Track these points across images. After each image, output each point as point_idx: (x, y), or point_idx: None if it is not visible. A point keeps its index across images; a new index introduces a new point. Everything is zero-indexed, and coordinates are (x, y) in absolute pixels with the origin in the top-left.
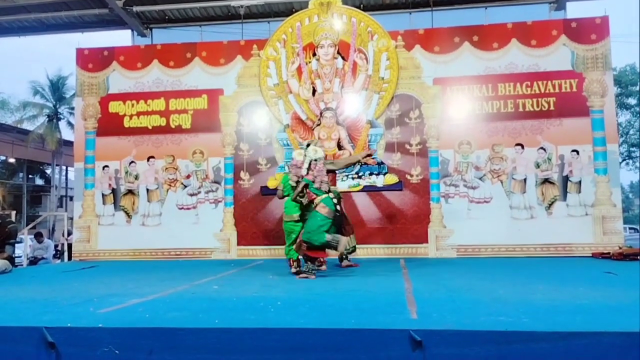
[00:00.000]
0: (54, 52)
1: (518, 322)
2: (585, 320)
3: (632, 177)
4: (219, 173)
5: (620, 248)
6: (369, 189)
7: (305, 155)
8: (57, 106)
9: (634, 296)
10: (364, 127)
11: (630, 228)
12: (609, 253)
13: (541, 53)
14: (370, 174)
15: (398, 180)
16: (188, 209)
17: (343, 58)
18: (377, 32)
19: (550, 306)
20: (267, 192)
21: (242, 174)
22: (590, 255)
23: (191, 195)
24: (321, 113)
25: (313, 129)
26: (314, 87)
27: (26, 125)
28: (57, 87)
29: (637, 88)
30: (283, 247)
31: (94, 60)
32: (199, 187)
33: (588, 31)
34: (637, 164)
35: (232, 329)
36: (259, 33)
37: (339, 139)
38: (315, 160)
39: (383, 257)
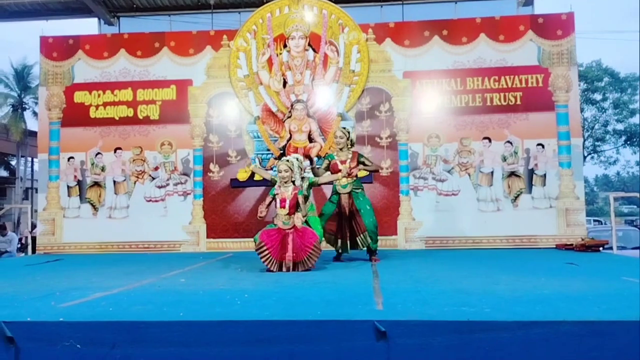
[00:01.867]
0: (18, 40)
1: (480, 312)
2: (544, 310)
3: (597, 171)
4: (187, 165)
5: (582, 240)
6: None
7: (291, 168)
8: (22, 96)
9: (592, 286)
10: (334, 119)
11: (594, 220)
12: (572, 244)
13: (509, 48)
14: None
15: (368, 173)
16: (156, 201)
17: (314, 50)
18: (348, 25)
19: (511, 296)
20: (237, 185)
21: (211, 166)
22: (555, 246)
23: (159, 187)
24: (292, 105)
25: (284, 121)
26: (284, 79)
27: None
28: (21, 76)
29: (602, 84)
30: (252, 240)
31: (58, 49)
32: (168, 179)
33: (554, 27)
34: (602, 158)
35: (197, 322)
36: (229, 23)
37: (310, 132)
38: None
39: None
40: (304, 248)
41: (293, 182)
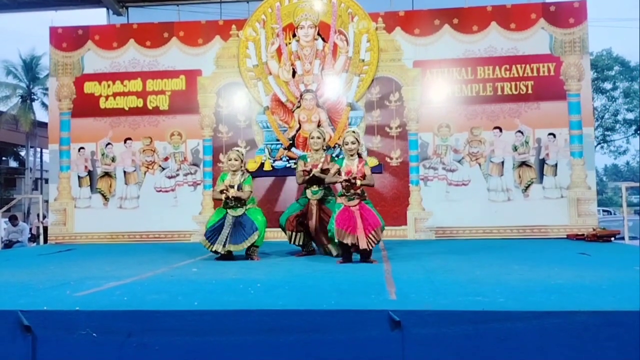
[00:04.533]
0: (26, 31)
1: (494, 302)
2: (558, 300)
3: (607, 161)
4: (197, 155)
5: (594, 230)
6: None
7: (356, 140)
8: (31, 87)
9: (606, 276)
10: (344, 109)
11: (603, 210)
12: (583, 235)
13: (520, 36)
14: None
15: (378, 163)
16: (166, 191)
17: (323, 39)
18: (358, 14)
19: (525, 286)
20: None
21: (221, 157)
22: (566, 236)
23: (169, 177)
24: (301, 95)
25: (293, 111)
26: (293, 69)
27: None
28: (30, 67)
29: (613, 73)
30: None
31: (68, 39)
32: (178, 170)
33: (566, 15)
34: (612, 147)
35: (211, 311)
36: (237, 13)
37: (319, 122)
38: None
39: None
40: (368, 226)
41: (359, 155)
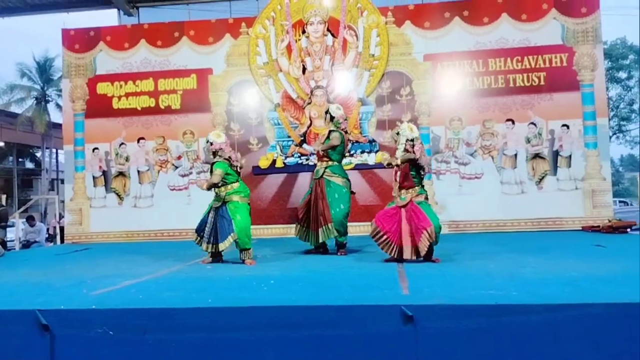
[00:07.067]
0: (39, 33)
1: (507, 295)
2: (573, 293)
3: (623, 151)
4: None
5: (609, 221)
6: (360, 167)
7: (398, 134)
8: (45, 88)
9: (622, 268)
10: (355, 105)
11: (620, 201)
12: (598, 226)
13: (531, 27)
14: (362, 152)
15: (387, 164)
16: (180, 189)
17: (333, 35)
18: (367, 8)
19: (539, 279)
20: (259, 172)
21: (232, 155)
22: (581, 228)
23: (183, 176)
24: (312, 91)
25: (304, 108)
26: (304, 65)
27: (14, 108)
28: (44, 69)
29: (627, 62)
30: (276, 226)
31: (80, 41)
32: (190, 168)
33: (578, 4)
34: (627, 137)
35: (225, 308)
36: (247, 11)
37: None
38: (412, 140)
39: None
40: (418, 231)
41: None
